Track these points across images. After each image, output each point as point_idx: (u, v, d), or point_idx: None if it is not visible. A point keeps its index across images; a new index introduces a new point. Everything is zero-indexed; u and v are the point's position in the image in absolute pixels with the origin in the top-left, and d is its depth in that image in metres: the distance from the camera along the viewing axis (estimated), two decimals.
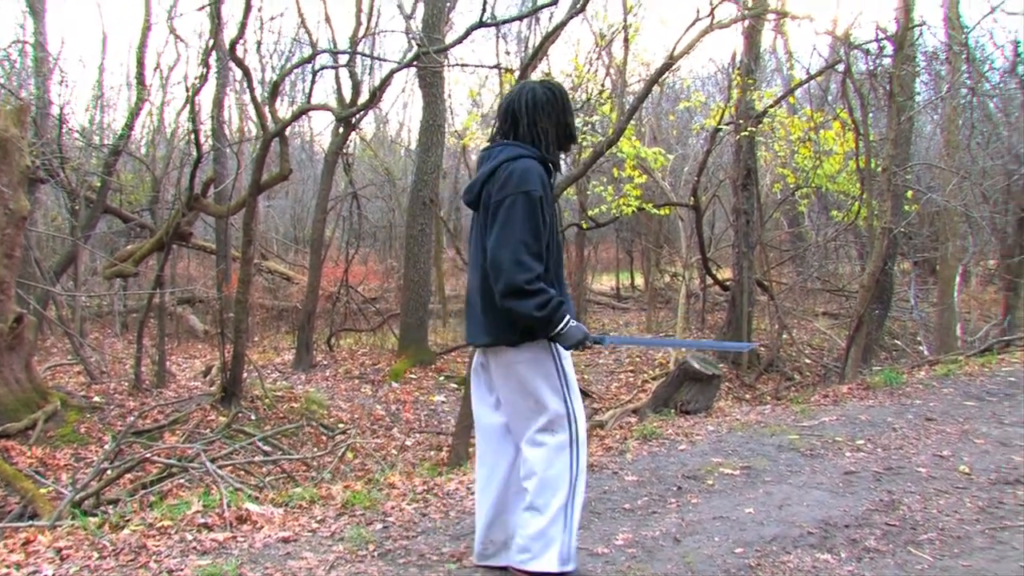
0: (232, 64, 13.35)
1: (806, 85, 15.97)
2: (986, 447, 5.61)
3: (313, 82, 14.52)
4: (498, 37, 16.81)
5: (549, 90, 3.46)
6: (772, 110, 14.09)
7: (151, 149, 21.63)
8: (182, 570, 3.65)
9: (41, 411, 8.90)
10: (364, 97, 12.97)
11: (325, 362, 15.26)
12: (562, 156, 3.65)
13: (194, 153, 12.57)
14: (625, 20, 11.34)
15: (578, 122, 11.39)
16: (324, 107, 14.52)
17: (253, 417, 10.71)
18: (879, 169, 10.99)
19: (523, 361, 3.34)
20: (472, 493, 4.83)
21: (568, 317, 3.28)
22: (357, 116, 14.55)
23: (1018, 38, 26.91)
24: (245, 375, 11.33)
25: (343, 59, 14.30)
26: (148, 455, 7.35)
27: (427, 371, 14.74)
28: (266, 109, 11.38)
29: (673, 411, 7.75)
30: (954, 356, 10.23)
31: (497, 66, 13.93)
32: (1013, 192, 14.58)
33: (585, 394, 3.36)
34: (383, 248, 27.57)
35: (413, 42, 13.71)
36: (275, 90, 12.30)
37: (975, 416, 6.51)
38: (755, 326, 15.25)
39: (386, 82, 11.42)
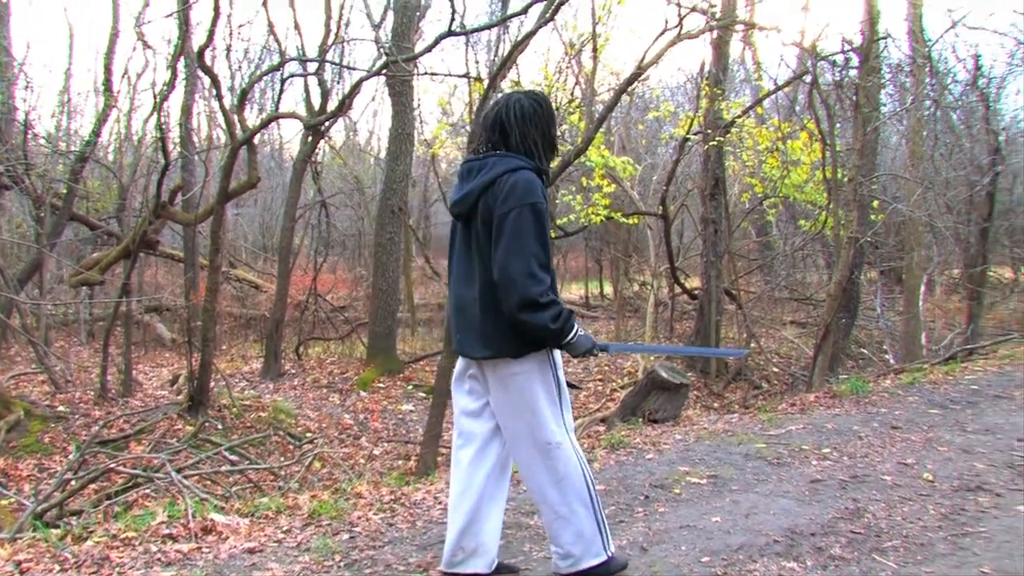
0: (200, 71, 13.27)
1: (774, 96, 16.10)
2: (949, 454, 5.67)
3: (282, 90, 14.48)
4: (467, 46, 16.84)
5: (536, 101, 3.47)
6: (740, 120, 14.18)
7: (118, 156, 21.41)
8: None
9: (4, 421, 8.80)
10: (333, 105, 12.94)
11: (293, 371, 15.18)
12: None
13: (161, 160, 12.47)
14: (594, 30, 11.39)
15: None
16: (293, 115, 14.47)
17: (220, 426, 10.63)
18: (845, 179, 11.09)
19: (523, 372, 3.35)
20: (439, 503, 4.82)
21: (577, 327, 3.31)
22: (326, 124, 14.50)
23: (979, 52, 27.32)
24: (212, 384, 11.26)
25: (312, 67, 14.26)
26: (113, 465, 7.28)
27: (395, 380, 14.70)
28: (234, 117, 11.32)
29: (641, 420, 7.76)
30: (919, 364, 10.33)
31: (467, 75, 13.97)
32: (975, 203, 14.78)
33: (572, 386, 3.42)
34: (352, 256, 27.46)
35: (382, 51, 13.70)
36: (243, 98, 12.24)
37: (939, 424, 6.58)
38: (723, 335, 15.32)
39: (355, 91, 11.40)
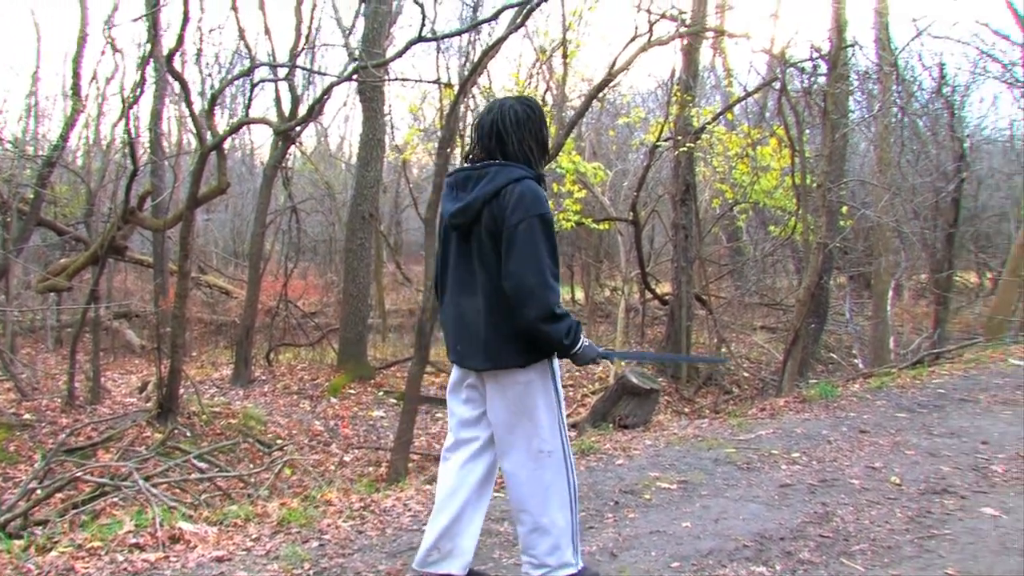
0: (170, 76, 13.18)
1: (744, 102, 16.24)
2: (916, 458, 5.72)
3: (252, 95, 14.39)
4: (439, 52, 16.82)
5: (528, 106, 3.45)
6: (710, 126, 14.27)
7: (87, 161, 21.26)
8: None
9: None
10: (304, 111, 12.89)
11: (264, 377, 15.09)
12: None
13: (130, 166, 12.37)
14: (564, 37, 11.43)
15: None
16: (262, 121, 14.38)
17: (189, 434, 10.55)
18: (814, 185, 11.18)
19: (526, 382, 3.34)
20: (409, 510, 4.80)
21: (584, 341, 3.33)
22: (296, 130, 14.44)
23: (943, 61, 27.66)
24: (182, 391, 11.16)
25: (283, 72, 14.20)
26: (79, 474, 7.20)
27: (366, 386, 14.66)
28: (204, 122, 11.25)
29: (611, 425, 7.77)
30: (887, 369, 10.42)
31: (437, 81, 13.94)
32: (941, 209, 14.96)
33: None
34: (323, 262, 27.39)
35: (352, 56, 13.66)
36: (213, 103, 12.16)
37: (906, 428, 6.63)
38: (694, 340, 15.40)
39: (325, 96, 11.37)
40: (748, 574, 3.79)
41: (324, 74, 16.73)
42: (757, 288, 19.63)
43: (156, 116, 15.87)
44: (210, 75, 22.97)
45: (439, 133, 11.81)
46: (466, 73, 11.52)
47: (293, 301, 18.97)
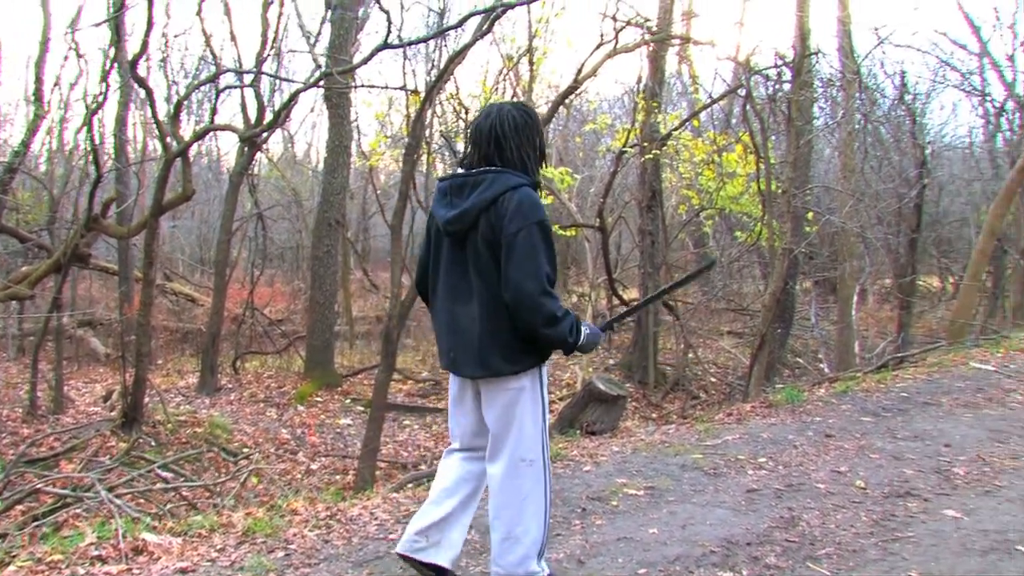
0: (134, 82, 13.07)
1: (709, 109, 16.32)
2: (880, 461, 5.77)
3: (217, 101, 14.27)
4: (405, 58, 16.80)
5: (525, 112, 3.45)
6: (676, 133, 14.33)
7: (50, 167, 21.01)
8: None
9: None
10: (270, 117, 12.81)
11: (230, 385, 14.96)
12: None
13: (94, 172, 12.24)
14: (530, 44, 11.45)
15: None
16: (228, 127, 14.28)
17: (154, 443, 10.42)
18: (780, 191, 11.27)
19: (518, 388, 3.35)
20: (376, 519, 4.77)
21: (584, 329, 3.36)
22: (263, 136, 14.35)
23: (904, 69, 28.02)
24: (147, 400, 11.04)
25: (248, 79, 14.11)
26: (40, 485, 7.09)
27: (333, 394, 14.58)
28: (169, 128, 11.15)
29: (578, 432, 7.77)
30: (852, 373, 10.49)
31: (403, 87, 13.92)
32: (904, 214, 15.14)
33: None
34: (290, 269, 27.24)
35: (318, 62, 13.61)
36: (178, 109, 12.05)
37: (871, 431, 6.69)
38: (661, 345, 15.45)
39: (291, 103, 11.30)
40: None
41: (290, 80, 16.60)
42: (724, 293, 19.75)
43: (121, 122, 15.71)
44: (176, 81, 22.81)
45: (406, 140, 11.78)
46: (432, 80, 11.51)
47: (260, 309, 18.83)
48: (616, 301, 16.51)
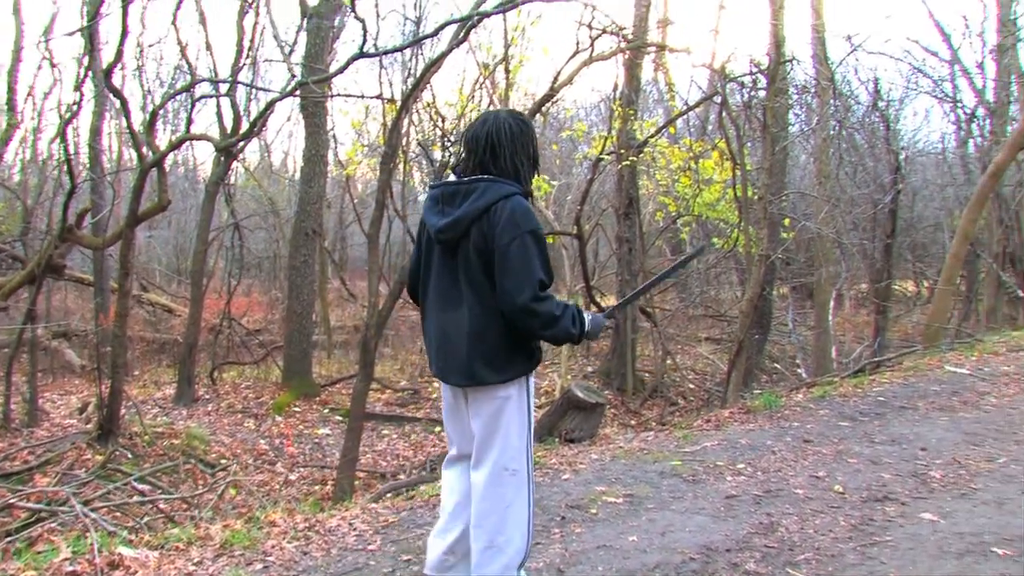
0: (108, 92, 12.98)
1: (686, 116, 16.40)
2: (858, 466, 5.79)
3: (193, 111, 14.19)
4: (381, 67, 16.75)
5: (520, 120, 3.45)
6: (653, 140, 14.38)
7: (23, 177, 20.83)
8: None
9: None
10: (246, 127, 12.75)
11: (207, 396, 14.86)
12: None
13: (68, 182, 12.14)
14: (507, 52, 11.46)
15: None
16: (203, 137, 14.20)
17: (131, 455, 10.32)
18: (756, 197, 11.32)
19: (504, 397, 3.36)
20: (355, 529, 4.75)
21: (586, 316, 3.40)
22: (239, 146, 14.28)
23: (878, 76, 28.26)
24: (123, 411, 10.94)
25: (224, 88, 14.04)
26: (13, 500, 7.02)
27: (311, 404, 14.51)
28: (144, 138, 11.07)
29: (557, 440, 7.76)
30: (830, 378, 10.54)
31: (380, 96, 13.89)
32: (879, 220, 15.25)
33: None
34: (267, 279, 27.10)
35: (293, 71, 13.57)
36: (153, 119, 11.98)
37: (849, 436, 6.72)
38: (639, 352, 15.48)
39: (267, 112, 11.26)
40: None
41: (266, 89, 16.58)
42: (701, 300, 19.82)
43: (95, 132, 15.59)
44: (151, 91, 22.68)
45: (382, 149, 11.75)
46: (408, 88, 11.49)
47: (237, 319, 18.73)
48: (594, 309, 16.52)
